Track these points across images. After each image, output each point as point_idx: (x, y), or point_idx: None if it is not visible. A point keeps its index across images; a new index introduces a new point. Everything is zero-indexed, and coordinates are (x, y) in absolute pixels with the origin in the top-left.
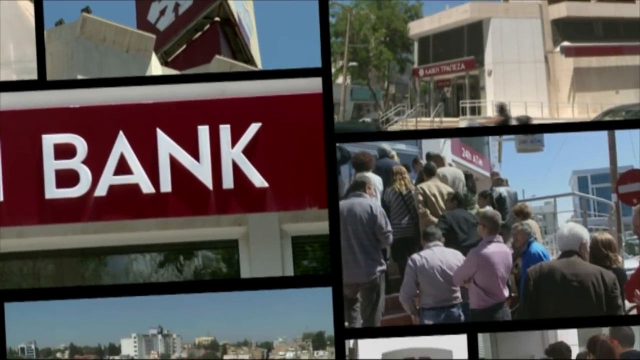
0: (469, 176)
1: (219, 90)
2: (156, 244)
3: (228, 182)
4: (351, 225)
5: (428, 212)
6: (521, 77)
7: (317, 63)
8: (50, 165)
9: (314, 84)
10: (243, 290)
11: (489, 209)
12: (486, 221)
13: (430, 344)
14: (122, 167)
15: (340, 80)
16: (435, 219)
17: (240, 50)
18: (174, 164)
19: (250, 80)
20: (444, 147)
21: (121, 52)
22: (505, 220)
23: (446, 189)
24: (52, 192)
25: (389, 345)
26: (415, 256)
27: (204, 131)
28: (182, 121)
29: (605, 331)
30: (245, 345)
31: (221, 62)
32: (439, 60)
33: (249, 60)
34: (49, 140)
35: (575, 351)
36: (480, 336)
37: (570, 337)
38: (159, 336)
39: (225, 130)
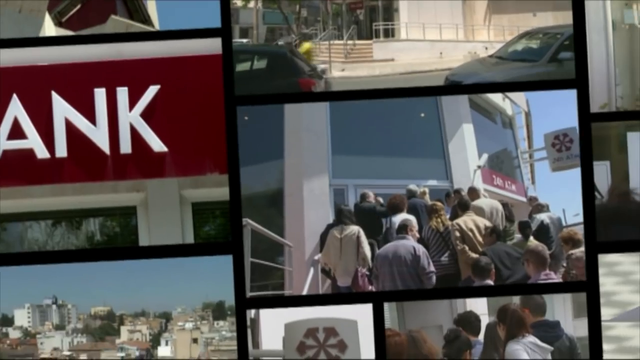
0: (504, 205)
1: (116, 52)
2: (51, 211)
3: (126, 146)
4: (396, 267)
5: (466, 247)
6: None
7: (216, 23)
8: None
9: (213, 45)
10: (141, 258)
11: (532, 241)
12: (531, 256)
13: (334, 314)
14: (16, 132)
15: (252, 4)
16: (474, 255)
17: (137, 10)
18: (70, 128)
19: (147, 41)
20: (474, 177)
21: (13, 13)
22: (552, 249)
23: (483, 222)
24: None
25: (292, 316)
26: None
27: (100, 94)
28: (78, 83)
29: (515, 300)
30: (143, 316)
31: (117, 22)
32: None
33: (146, 20)
34: None
35: (484, 321)
36: (386, 306)
37: (479, 306)
38: (54, 306)
39: (122, 93)
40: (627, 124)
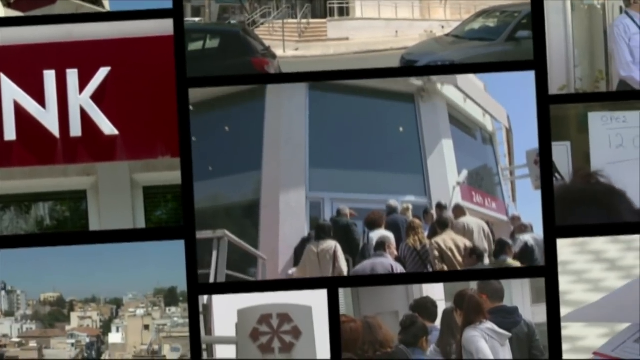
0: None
1: (66, 33)
2: (0, 195)
3: (76, 129)
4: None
5: (445, 268)
6: None
7: (168, 4)
8: None
9: (164, 26)
10: (91, 243)
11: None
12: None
13: (289, 300)
14: None
15: None
16: None
17: None
18: (19, 111)
19: (98, 22)
20: (453, 194)
21: None
22: None
23: (464, 242)
24: None
25: (245, 302)
26: None
27: (50, 76)
28: (27, 66)
29: (473, 286)
30: (94, 302)
31: (67, 3)
32: None
33: (97, 1)
34: None
35: (441, 306)
36: (341, 292)
37: (436, 291)
38: (2, 292)
39: (72, 75)
40: (587, 105)
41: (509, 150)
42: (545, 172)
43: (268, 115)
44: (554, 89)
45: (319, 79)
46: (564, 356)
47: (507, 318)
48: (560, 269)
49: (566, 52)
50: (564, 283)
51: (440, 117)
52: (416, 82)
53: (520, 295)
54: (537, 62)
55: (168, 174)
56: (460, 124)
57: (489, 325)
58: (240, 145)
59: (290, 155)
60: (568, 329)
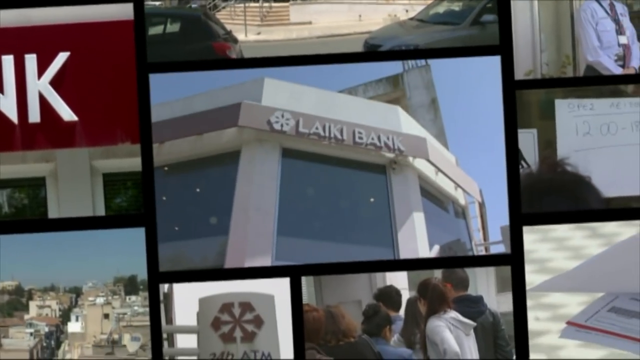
0: None
1: (24, 18)
2: None
3: (34, 115)
4: None
5: None
6: None
7: None
8: None
9: (125, 10)
10: (50, 231)
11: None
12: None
13: (251, 288)
14: None
15: None
16: None
17: None
18: None
19: (57, 7)
20: None
21: None
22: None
23: None
24: None
25: (206, 290)
26: None
27: (8, 61)
28: None
29: (437, 275)
30: (53, 291)
31: None
32: None
33: None
34: None
35: (405, 295)
36: (303, 281)
37: (399, 280)
38: None
39: (31, 60)
40: (553, 91)
41: (483, 225)
42: (510, 159)
43: (240, 180)
44: (520, 74)
45: (281, 64)
46: (545, 324)
47: (472, 307)
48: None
49: (532, 37)
50: (527, 272)
51: (411, 189)
52: (388, 154)
53: (485, 284)
54: (503, 47)
55: (128, 160)
56: (432, 196)
57: (453, 314)
58: (210, 208)
59: (258, 222)
60: (549, 297)
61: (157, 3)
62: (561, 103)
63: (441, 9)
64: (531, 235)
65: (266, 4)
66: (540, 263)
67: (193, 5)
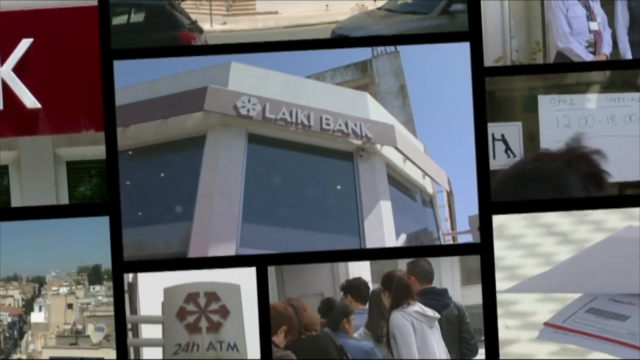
0: None
1: None
2: None
3: None
4: None
5: None
6: None
7: None
8: None
9: None
10: (13, 220)
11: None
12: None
13: (216, 278)
14: None
15: None
16: None
17: None
18: None
19: None
20: None
21: None
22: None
23: None
24: None
25: (171, 280)
26: None
27: None
28: None
29: (401, 266)
30: (15, 280)
31: None
32: None
33: None
34: None
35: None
36: None
37: (363, 272)
38: None
39: None
40: (537, 87)
41: (450, 214)
42: (479, 147)
43: (205, 165)
44: (489, 60)
45: (247, 51)
46: (516, 332)
47: (437, 300)
48: (511, 242)
49: (502, 23)
50: (515, 257)
51: (378, 177)
52: (355, 141)
53: (450, 277)
54: (472, 33)
55: (92, 148)
56: (400, 184)
57: (417, 307)
58: (174, 194)
59: (223, 208)
60: (519, 305)
61: None
62: (544, 98)
63: None
64: (520, 221)
65: None
66: (528, 248)
67: None
